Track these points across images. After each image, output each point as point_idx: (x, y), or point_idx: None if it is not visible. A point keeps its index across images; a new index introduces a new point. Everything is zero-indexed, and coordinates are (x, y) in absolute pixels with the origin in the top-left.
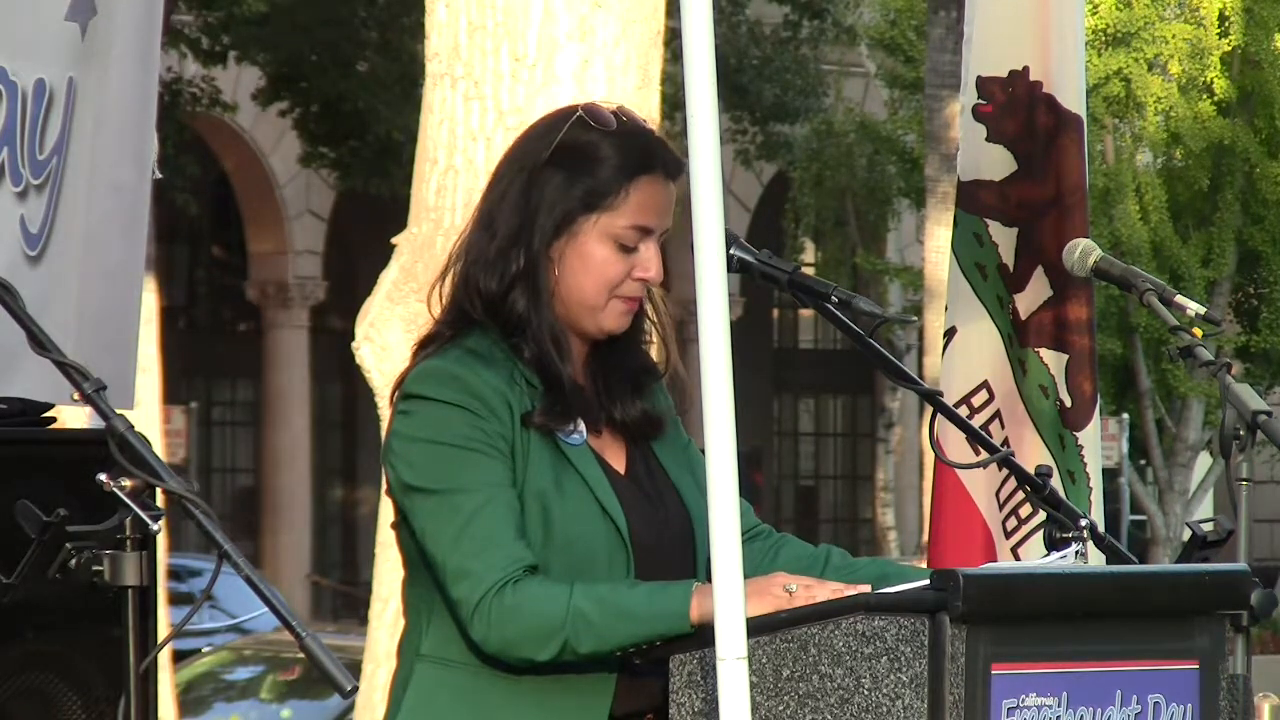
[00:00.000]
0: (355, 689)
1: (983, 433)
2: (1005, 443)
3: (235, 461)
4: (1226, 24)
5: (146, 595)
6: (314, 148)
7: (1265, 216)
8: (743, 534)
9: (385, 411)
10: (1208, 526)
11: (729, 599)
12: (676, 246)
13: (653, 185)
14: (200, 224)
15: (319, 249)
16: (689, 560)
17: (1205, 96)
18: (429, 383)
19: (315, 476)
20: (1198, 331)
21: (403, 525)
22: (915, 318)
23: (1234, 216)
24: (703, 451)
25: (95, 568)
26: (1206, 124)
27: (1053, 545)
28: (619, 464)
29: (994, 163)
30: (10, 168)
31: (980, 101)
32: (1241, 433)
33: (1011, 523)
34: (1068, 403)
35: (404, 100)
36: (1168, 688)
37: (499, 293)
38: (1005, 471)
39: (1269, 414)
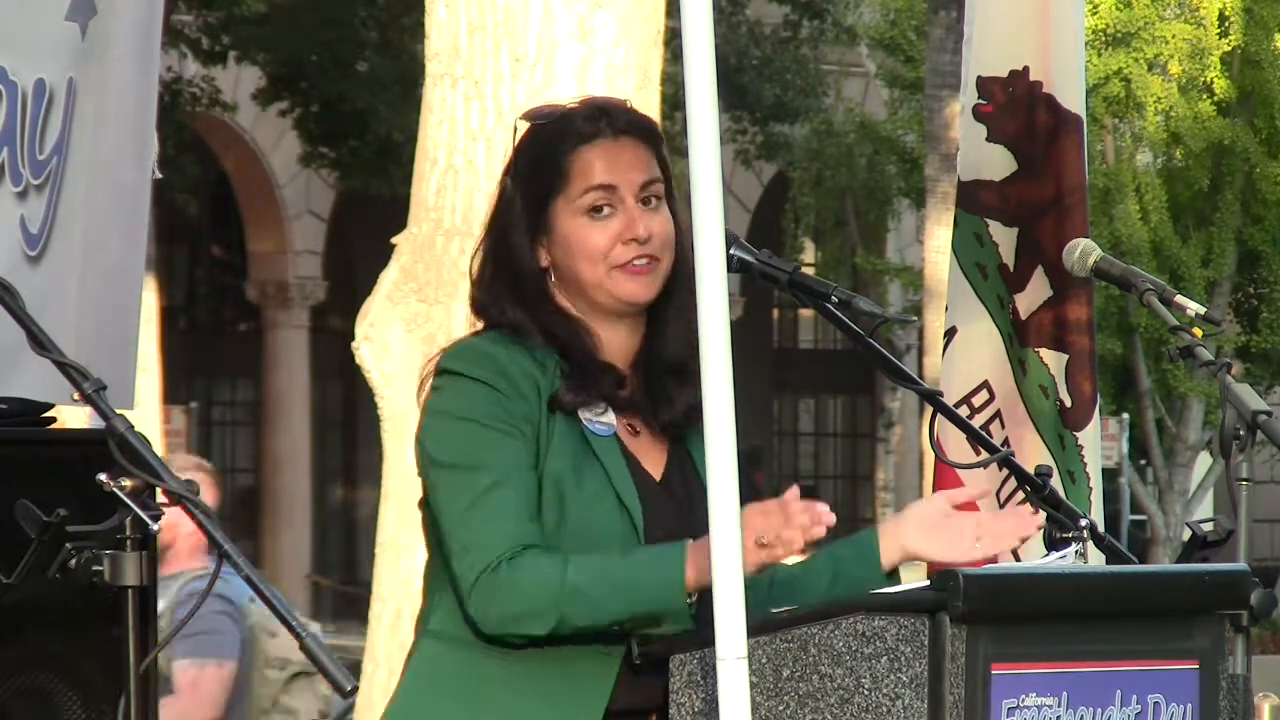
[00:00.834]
0: (355, 689)
1: (983, 433)
2: (1005, 443)
3: (235, 461)
4: (1226, 24)
5: (146, 595)
6: (314, 148)
7: (1265, 216)
8: None
9: (386, 410)
10: (1208, 526)
11: (729, 599)
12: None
13: (596, 148)
14: (200, 224)
15: (319, 249)
16: None
17: (1205, 96)
18: (462, 359)
19: (315, 476)
20: (1198, 331)
21: (425, 503)
22: (915, 318)
23: (1234, 216)
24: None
25: (95, 568)
26: (1206, 124)
27: (1053, 545)
28: (656, 465)
29: (994, 163)
30: (10, 168)
31: (980, 101)
32: (1241, 433)
33: None
34: (1068, 403)
35: (404, 100)
36: (1168, 688)
37: (507, 318)
38: (1005, 471)
39: (1269, 414)
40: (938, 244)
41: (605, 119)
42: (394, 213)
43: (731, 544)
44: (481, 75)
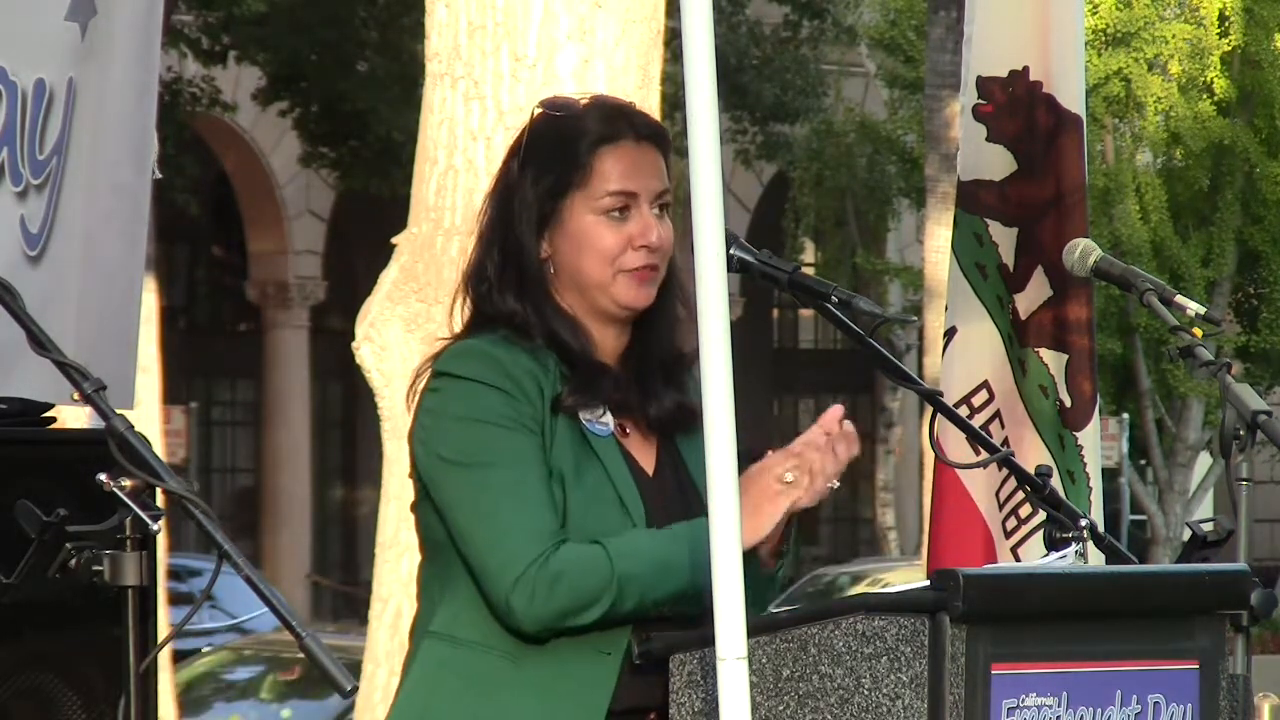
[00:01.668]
0: (355, 689)
1: (983, 433)
2: (1005, 443)
3: (235, 461)
4: (1226, 24)
5: (146, 595)
6: (314, 148)
7: (1265, 216)
8: None
9: (386, 410)
10: (1208, 526)
11: (729, 599)
12: (677, 246)
13: (620, 150)
14: (200, 224)
15: (319, 249)
16: None
17: (1205, 96)
18: (463, 362)
19: (315, 476)
20: (1198, 331)
21: (422, 505)
22: (915, 318)
23: (1234, 216)
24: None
25: (95, 568)
26: (1206, 124)
27: (1053, 545)
28: (647, 463)
29: (994, 163)
30: (10, 168)
31: (980, 101)
32: (1241, 433)
33: (1011, 523)
34: (1068, 403)
35: (404, 100)
36: (1168, 688)
37: (506, 308)
38: (1005, 471)
39: (1269, 414)
40: (938, 244)
41: (625, 121)
42: (394, 213)
43: (732, 544)
44: (481, 75)
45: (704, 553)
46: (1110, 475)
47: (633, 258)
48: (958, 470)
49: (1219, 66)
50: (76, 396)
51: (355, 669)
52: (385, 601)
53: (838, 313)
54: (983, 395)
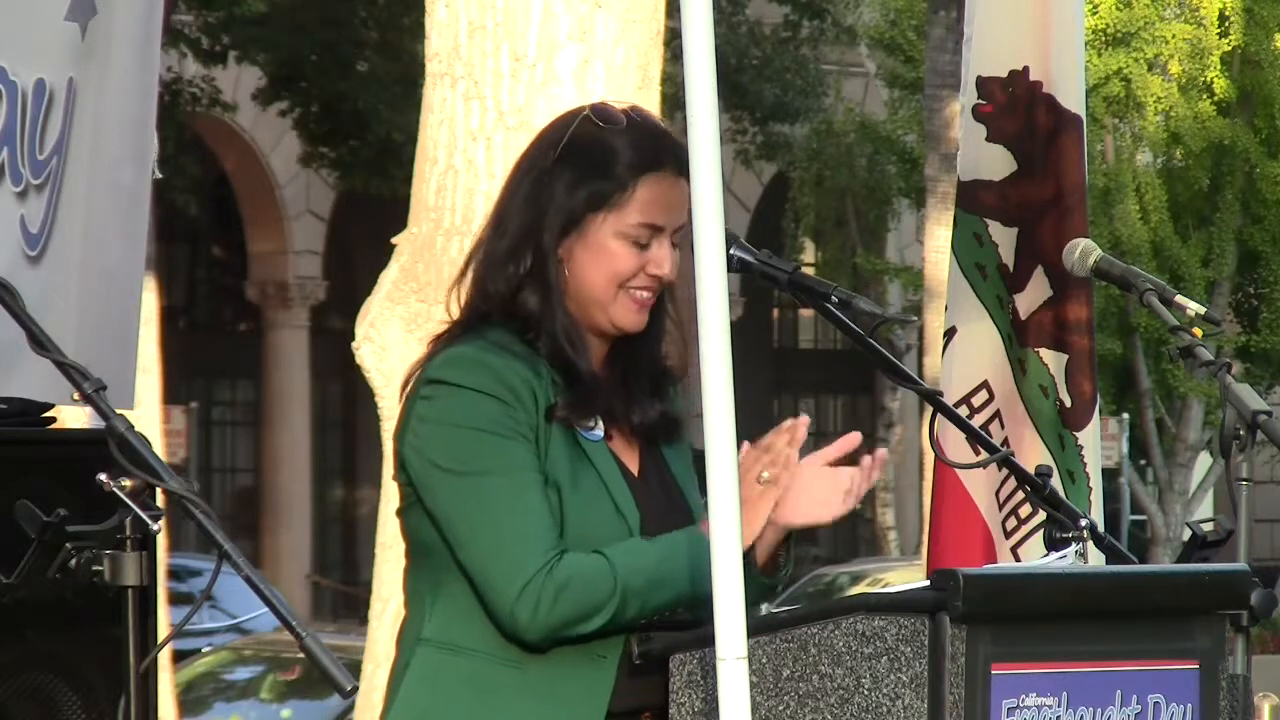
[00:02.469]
0: (355, 689)
1: (983, 433)
2: (1005, 443)
3: (235, 461)
4: (1226, 24)
5: (146, 595)
6: (314, 148)
7: (1265, 216)
8: None
9: (386, 410)
10: (1208, 526)
11: (729, 599)
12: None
13: (661, 182)
14: (200, 224)
15: (319, 249)
16: None
17: (1205, 96)
18: (456, 369)
19: (315, 476)
20: (1198, 331)
21: (410, 511)
22: (915, 318)
23: (1234, 216)
24: (702, 451)
25: (95, 568)
26: (1206, 124)
27: (1053, 545)
28: (632, 466)
29: (994, 163)
30: (10, 168)
31: (980, 101)
32: (1241, 433)
33: (1011, 523)
34: (1067, 403)
35: (404, 100)
36: (1168, 688)
37: (510, 292)
38: (1005, 471)
39: (1269, 414)
40: (938, 244)
41: (669, 150)
42: (394, 213)
43: (731, 544)
44: (481, 75)
45: (702, 560)
46: (1110, 475)
47: (640, 283)
48: (958, 470)
49: (1219, 66)
50: (76, 396)
51: (355, 669)
52: (385, 601)
53: (838, 313)
54: (983, 395)
